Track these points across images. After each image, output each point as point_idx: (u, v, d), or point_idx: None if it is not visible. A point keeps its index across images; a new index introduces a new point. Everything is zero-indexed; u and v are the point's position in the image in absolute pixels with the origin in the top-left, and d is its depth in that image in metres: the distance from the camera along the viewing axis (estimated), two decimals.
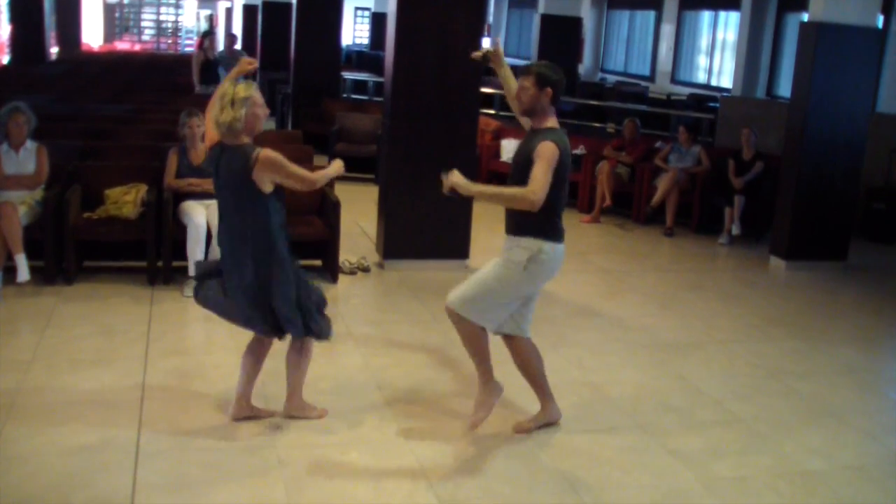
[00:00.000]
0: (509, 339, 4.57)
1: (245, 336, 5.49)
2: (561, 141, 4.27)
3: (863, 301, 7.74)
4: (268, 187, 4.17)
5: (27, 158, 6.54)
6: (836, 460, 4.59)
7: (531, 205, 4.15)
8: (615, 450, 4.50)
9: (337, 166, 4.52)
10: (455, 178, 4.20)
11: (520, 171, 4.32)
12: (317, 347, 5.42)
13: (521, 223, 4.33)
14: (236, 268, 4.24)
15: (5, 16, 18.75)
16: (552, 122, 4.37)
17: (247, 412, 4.53)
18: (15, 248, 6.11)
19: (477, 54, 4.79)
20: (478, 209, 7.56)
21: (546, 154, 4.18)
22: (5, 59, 18.34)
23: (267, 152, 4.16)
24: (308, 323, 4.36)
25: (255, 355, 4.53)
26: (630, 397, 5.20)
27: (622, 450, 4.51)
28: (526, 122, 4.51)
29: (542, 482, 4.14)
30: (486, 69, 5.49)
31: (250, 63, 4.59)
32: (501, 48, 4.80)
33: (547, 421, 4.69)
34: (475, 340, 4.43)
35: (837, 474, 4.44)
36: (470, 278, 4.44)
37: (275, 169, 4.16)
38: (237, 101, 4.09)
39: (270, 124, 14.70)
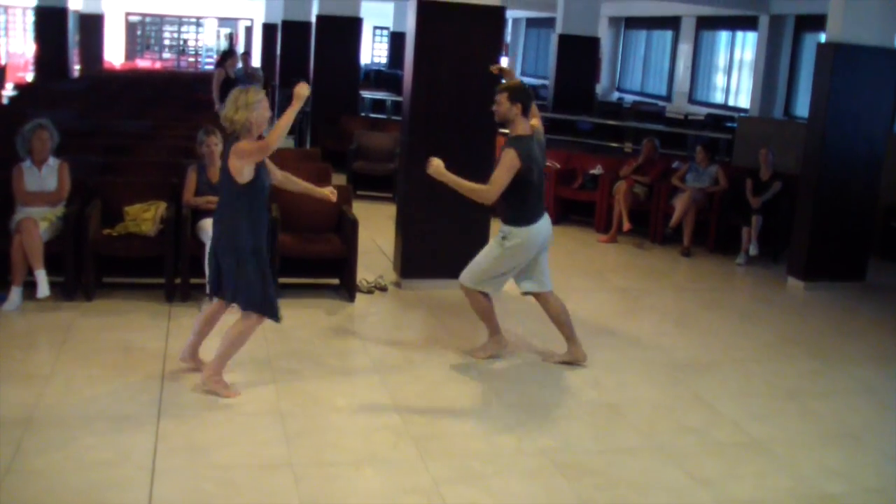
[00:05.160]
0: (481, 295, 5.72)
1: (263, 353, 5.53)
2: (523, 148, 5.30)
3: (881, 320, 7.68)
4: (242, 178, 4.81)
5: (49, 175, 6.60)
6: (855, 482, 4.56)
7: (485, 200, 5.40)
8: (632, 471, 4.48)
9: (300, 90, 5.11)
10: (435, 164, 5.30)
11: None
12: (334, 365, 5.46)
13: (502, 213, 5.57)
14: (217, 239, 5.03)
15: (31, 35, 18.99)
16: (521, 129, 5.40)
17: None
18: (35, 263, 6.17)
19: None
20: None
21: (505, 161, 5.29)
22: (30, 77, 18.56)
23: (241, 144, 4.81)
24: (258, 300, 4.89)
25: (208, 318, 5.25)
26: (647, 417, 5.18)
27: (639, 471, 4.49)
28: None
29: (558, 503, 4.12)
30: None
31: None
32: None
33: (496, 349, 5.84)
34: (480, 304, 5.71)
35: (857, 497, 4.40)
36: (474, 259, 5.64)
37: (243, 155, 4.80)
38: (249, 104, 4.84)
39: (289, 142, 14.79)
